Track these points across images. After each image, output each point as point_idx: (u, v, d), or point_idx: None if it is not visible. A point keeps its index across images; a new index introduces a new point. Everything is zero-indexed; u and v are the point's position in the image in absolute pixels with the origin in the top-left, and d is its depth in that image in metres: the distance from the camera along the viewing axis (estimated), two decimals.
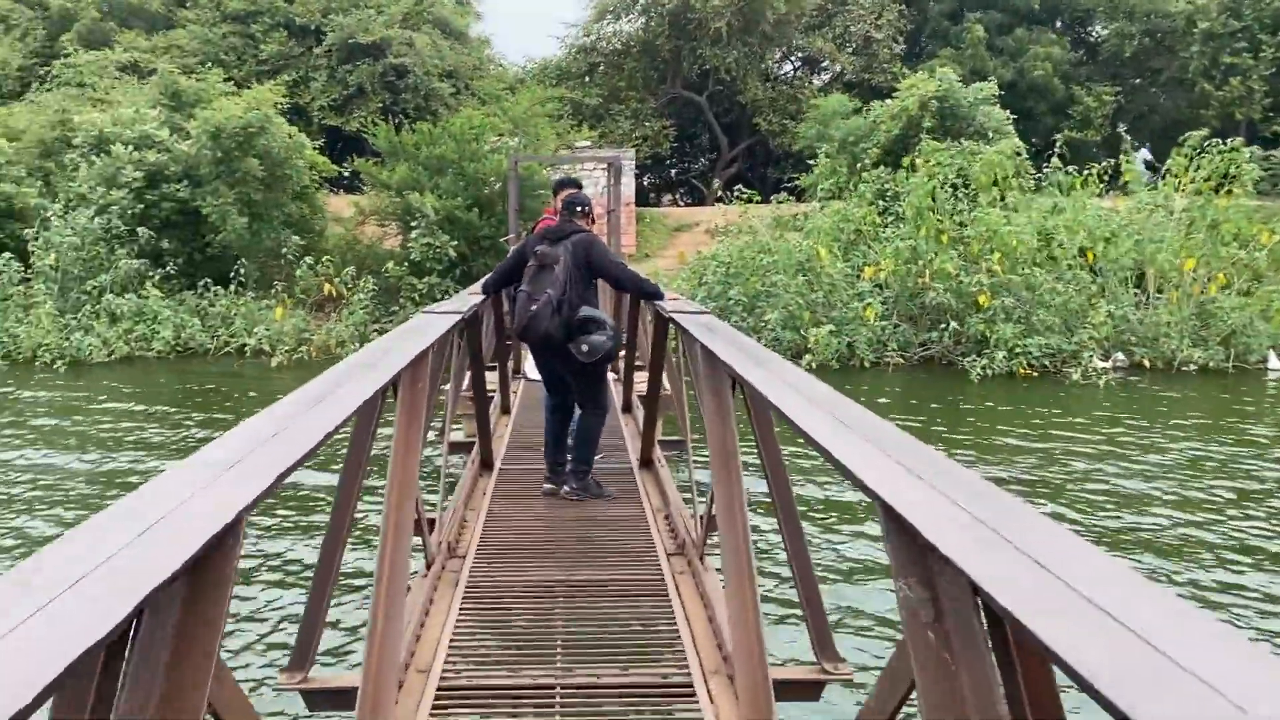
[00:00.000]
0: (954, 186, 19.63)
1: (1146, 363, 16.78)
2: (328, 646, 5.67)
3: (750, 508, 3.55)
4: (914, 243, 18.08)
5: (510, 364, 10.72)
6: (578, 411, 6.29)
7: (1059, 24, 37.56)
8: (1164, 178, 20.52)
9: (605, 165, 17.70)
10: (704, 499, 5.03)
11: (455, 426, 8.34)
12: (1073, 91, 33.81)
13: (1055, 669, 1.10)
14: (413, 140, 21.77)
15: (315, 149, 24.19)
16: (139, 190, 20.07)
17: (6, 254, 19.51)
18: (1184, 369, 16.58)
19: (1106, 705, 0.91)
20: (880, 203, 21.07)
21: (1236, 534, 8.30)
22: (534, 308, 5.58)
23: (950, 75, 24.32)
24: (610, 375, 6.76)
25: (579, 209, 6.09)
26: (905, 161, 21.20)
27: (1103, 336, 16.87)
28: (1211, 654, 0.97)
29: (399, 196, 21.06)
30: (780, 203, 22.36)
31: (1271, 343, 17.12)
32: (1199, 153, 19.93)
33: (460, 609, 4.21)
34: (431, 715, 3.33)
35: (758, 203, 22.18)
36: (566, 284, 5.64)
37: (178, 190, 20.32)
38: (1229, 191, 19.21)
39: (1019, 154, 21.24)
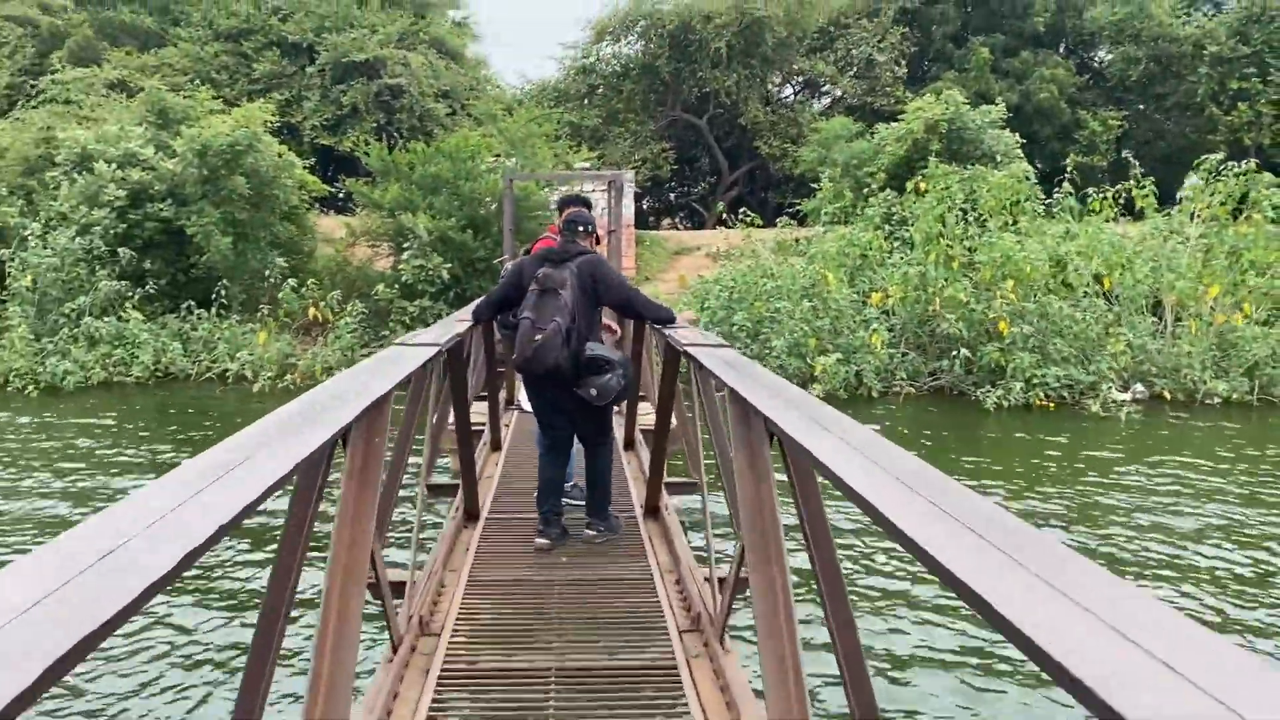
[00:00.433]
0: (963, 211, 19.03)
1: (1167, 394, 16.10)
2: None
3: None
4: (923, 268, 17.43)
5: (502, 394, 10.04)
6: (576, 446, 5.76)
7: (1063, 48, 37.20)
8: (1179, 203, 19.93)
9: (605, 185, 17.04)
10: (722, 561, 4.33)
11: (440, 464, 7.64)
12: (1078, 115, 33.35)
13: None
14: (406, 159, 21.16)
15: (306, 168, 23.57)
16: (122, 209, 19.40)
17: None
18: (1206, 401, 15.91)
19: None
20: (886, 227, 20.48)
21: None
22: (539, 337, 5.00)
23: (957, 97, 23.80)
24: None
25: (581, 228, 5.49)
26: (911, 185, 20.60)
27: (1121, 367, 16.21)
28: None
29: (391, 217, 20.42)
30: (784, 226, 21.68)
31: None
32: (1214, 177, 19.36)
33: (433, 702, 3.48)
34: None
35: (760, 226, 21.54)
36: (575, 311, 5.09)
37: (162, 210, 19.64)
38: (1247, 217, 18.62)
39: (1028, 178, 20.67)
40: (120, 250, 18.95)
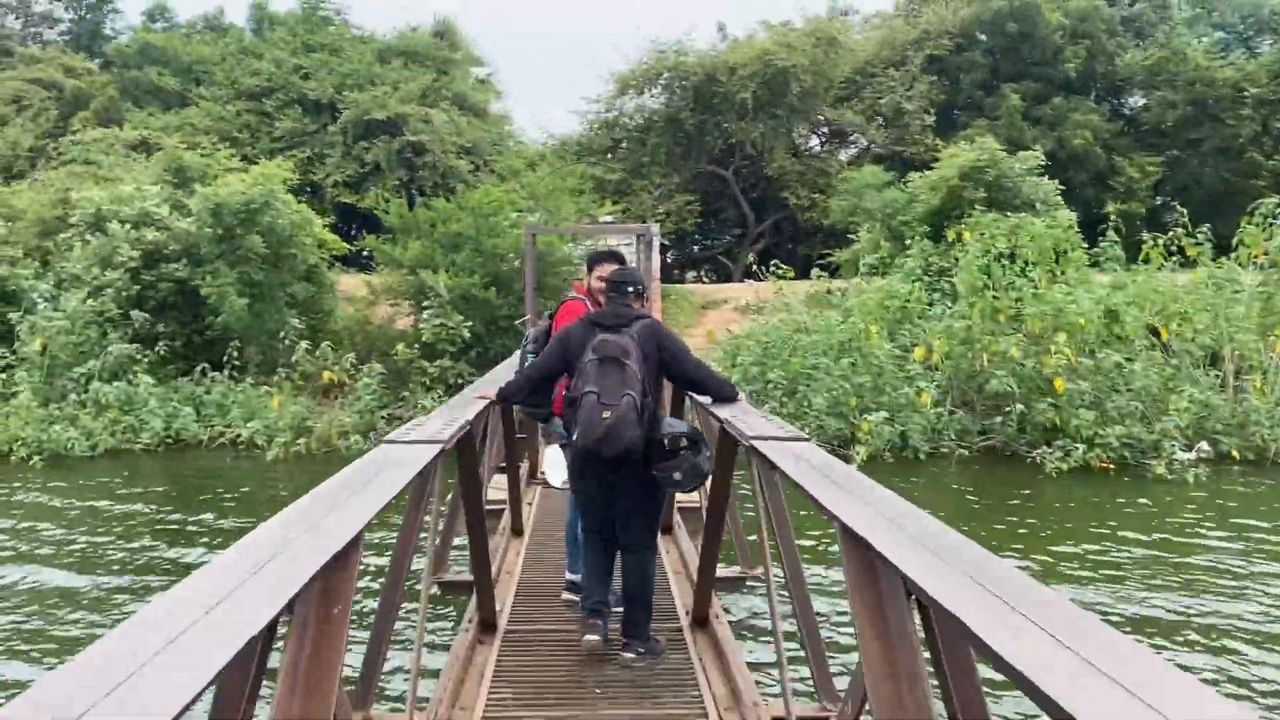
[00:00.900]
0: (1008, 260, 18.16)
1: (1235, 453, 15.02)
2: None
3: None
4: (969, 321, 16.54)
5: (524, 466, 9.21)
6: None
7: (1094, 94, 36.49)
8: (1235, 250, 18.96)
9: (633, 238, 16.32)
10: (800, 695, 3.46)
11: (458, 562, 6.76)
12: (1114, 162, 32.55)
13: None
14: (427, 216, 20.59)
15: (326, 226, 23.08)
16: (135, 270, 18.87)
17: None
18: (1278, 460, 14.84)
19: None
20: (925, 278, 19.63)
21: None
22: (608, 415, 4.33)
23: (992, 144, 23.07)
24: None
25: (631, 289, 4.75)
26: (953, 234, 19.76)
27: (1184, 425, 15.17)
28: None
29: (412, 274, 19.79)
30: (818, 279, 20.85)
31: None
32: (1269, 222, 18.44)
33: None
34: None
35: (792, 279, 20.72)
36: (644, 385, 4.46)
37: (176, 270, 19.09)
38: None
39: (1072, 227, 19.82)
40: (133, 312, 18.36)
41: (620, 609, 4.75)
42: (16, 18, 40.05)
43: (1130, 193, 31.74)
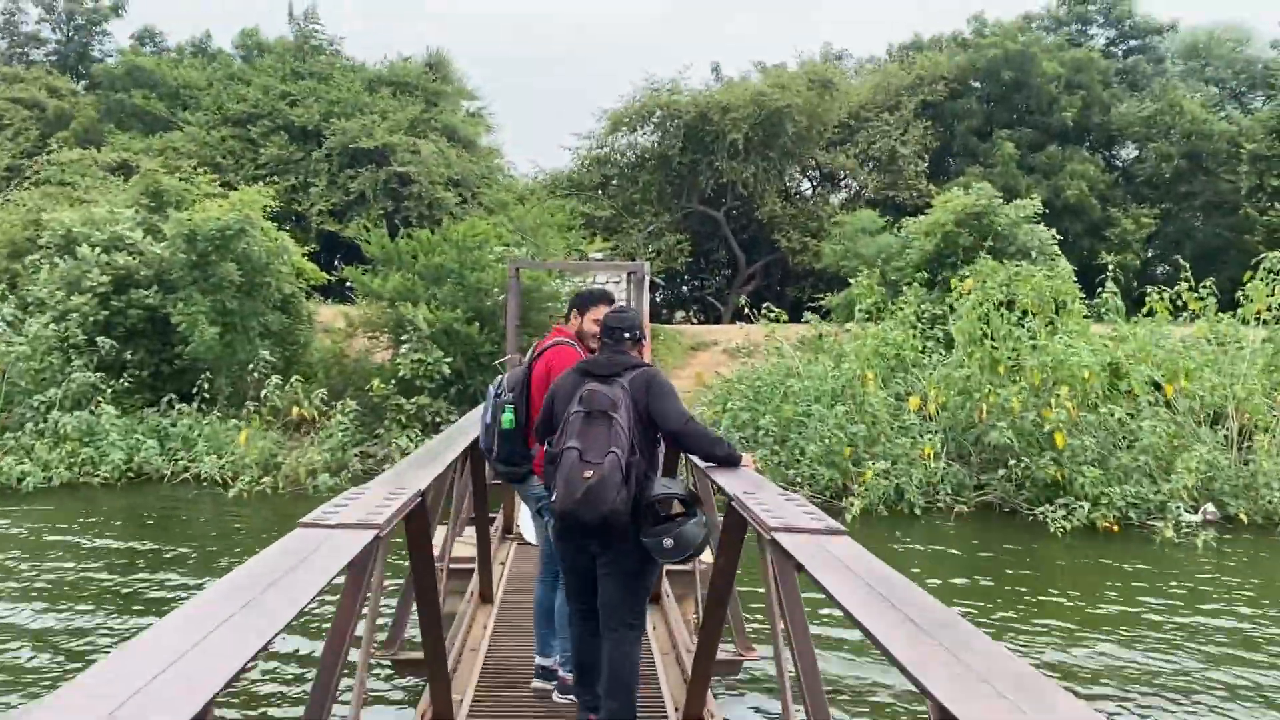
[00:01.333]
0: (1005, 309, 17.64)
1: (1243, 516, 14.42)
2: None
3: None
4: (967, 371, 15.97)
5: (497, 521, 8.50)
6: (560, 600, 4.69)
7: (1087, 144, 36.31)
8: (1236, 305, 18.49)
9: (623, 276, 15.70)
10: None
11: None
12: (1109, 213, 32.27)
13: None
14: (409, 247, 19.94)
15: (305, 254, 22.41)
16: (104, 296, 18.13)
17: None
18: None
19: None
20: (918, 325, 19.08)
21: None
22: (590, 474, 3.85)
23: (989, 189, 22.70)
24: None
25: (628, 334, 4.26)
26: (955, 281, 19.23)
27: (1190, 485, 14.57)
28: None
29: (391, 307, 19.11)
30: (816, 323, 20.25)
31: None
32: (1275, 278, 17.98)
33: None
34: None
35: (785, 322, 20.13)
36: (634, 441, 3.98)
37: (147, 296, 18.36)
38: None
39: (1071, 277, 19.37)
40: (99, 339, 17.59)
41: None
42: (2, 37, 39.48)
43: (1124, 244, 31.43)
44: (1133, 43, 40.05)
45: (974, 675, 1.54)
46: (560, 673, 4.78)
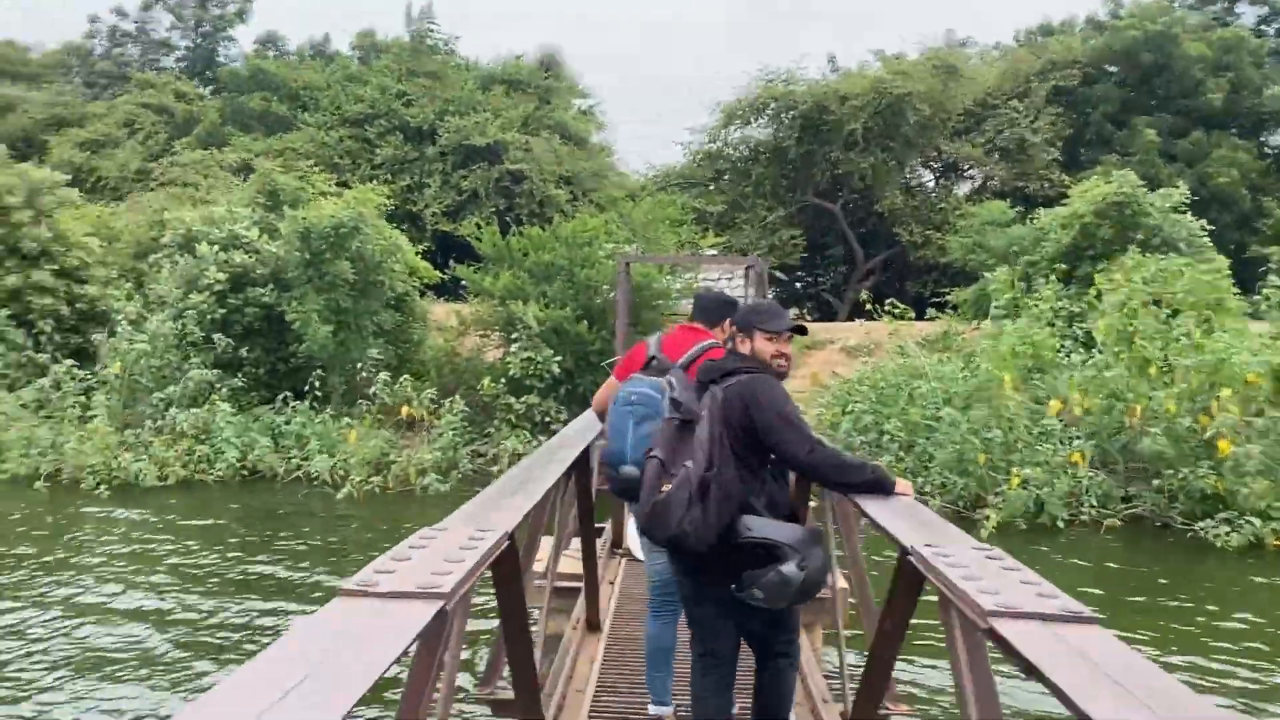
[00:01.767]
0: (1155, 305, 16.25)
1: None
2: None
3: None
4: (1117, 373, 14.70)
5: (604, 534, 7.89)
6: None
7: (1234, 130, 33.86)
8: None
9: (742, 270, 14.91)
10: None
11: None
12: (1261, 203, 29.96)
13: None
14: (520, 244, 19.59)
15: (419, 253, 22.34)
16: (221, 294, 18.27)
17: (69, 361, 17.79)
18: None
19: None
20: (1057, 323, 17.79)
21: None
22: (665, 488, 3.37)
23: (1131, 178, 21.11)
24: None
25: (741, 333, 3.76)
26: (1099, 277, 17.86)
27: None
28: None
29: (502, 305, 18.78)
30: (952, 319, 19.05)
31: None
32: None
33: None
34: None
35: (911, 319, 19.03)
36: (713, 458, 3.38)
37: (262, 295, 18.44)
38: None
39: (1225, 272, 17.80)
40: (216, 336, 17.72)
41: None
42: (135, 45, 40.98)
43: (1278, 236, 29.09)
44: None
45: None
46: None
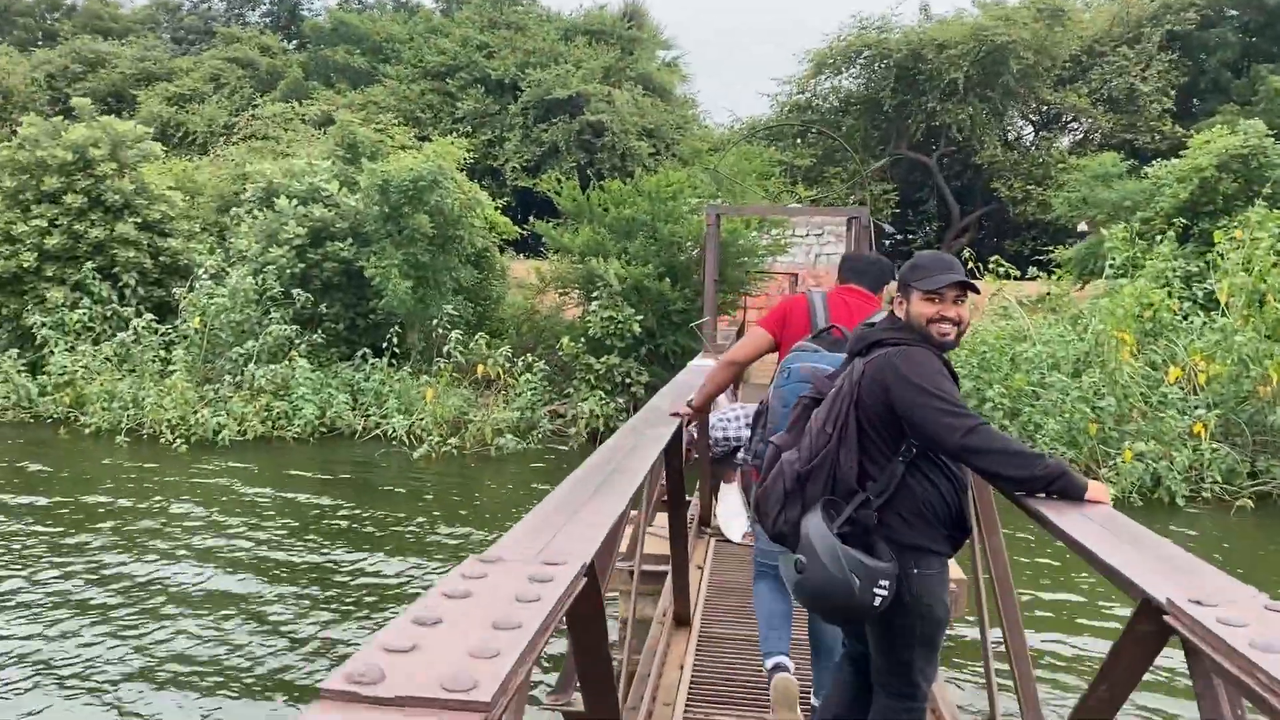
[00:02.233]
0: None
1: None
2: None
3: None
4: (1248, 338, 13.51)
5: (691, 510, 7.27)
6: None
7: None
8: None
9: (843, 223, 14.01)
10: None
11: None
12: None
13: None
14: (600, 199, 18.92)
15: (499, 208, 21.87)
16: (301, 248, 18.01)
17: (149, 315, 17.75)
18: None
19: None
20: (1176, 284, 16.54)
21: None
22: (769, 478, 2.97)
23: (1260, 127, 19.53)
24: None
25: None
26: (1216, 235, 16.56)
27: None
28: None
29: (581, 262, 18.18)
30: (1058, 279, 17.87)
31: None
32: None
33: None
34: None
35: (1016, 278, 17.92)
36: (822, 448, 2.84)
37: (341, 249, 18.14)
38: None
39: None
40: (294, 291, 17.49)
41: None
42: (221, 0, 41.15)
43: None
44: None
45: None
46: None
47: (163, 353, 17.19)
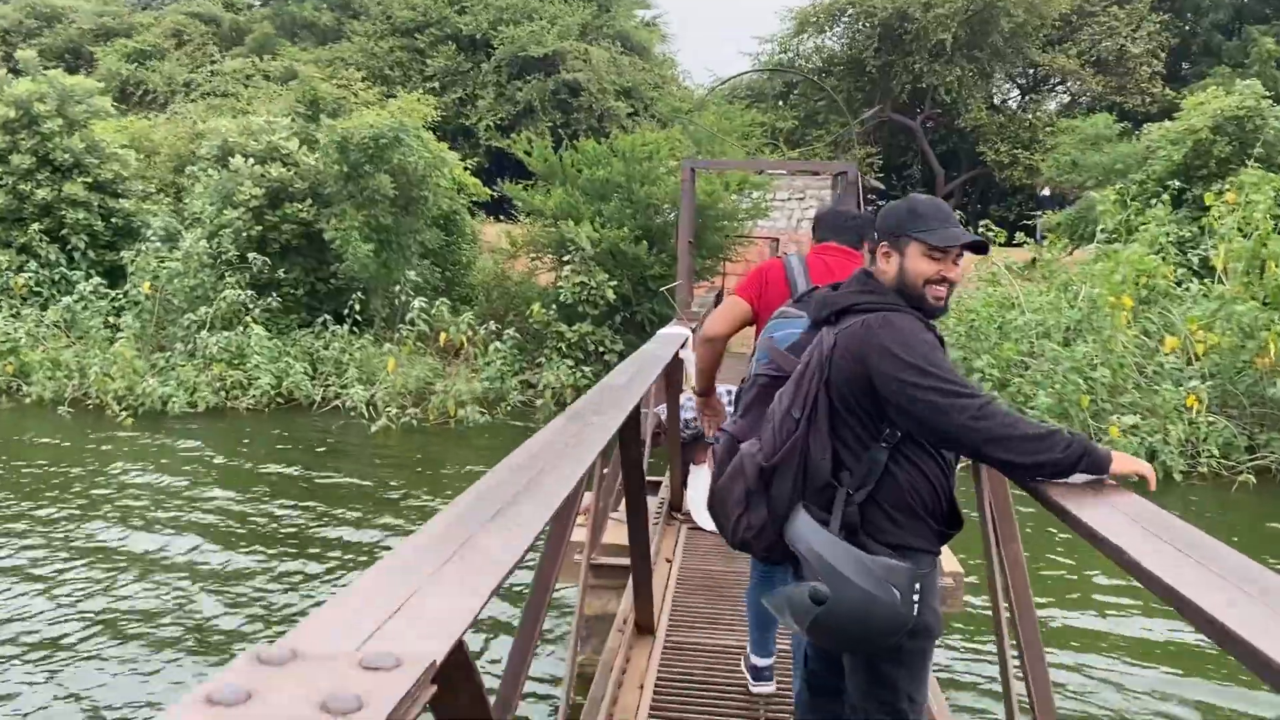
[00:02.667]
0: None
1: None
2: None
3: None
4: (1249, 307, 12.92)
5: (663, 496, 6.60)
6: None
7: None
8: None
9: (829, 180, 13.25)
10: None
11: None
12: None
13: None
14: (573, 160, 18.09)
15: (469, 169, 20.99)
16: (258, 210, 17.10)
17: (95, 279, 16.85)
18: None
19: None
20: (1171, 250, 15.94)
21: None
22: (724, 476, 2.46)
23: (1258, 88, 18.92)
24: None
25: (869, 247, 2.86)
26: (1209, 198, 15.96)
27: None
28: None
29: (553, 225, 17.38)
30: (1051, 245, 17.22)
31: None
32: None
33: None
34: None
35: (1006, 244, 17.29)
36: (787, 437, 2.36)
37: (300, 210, 17.25)
38: None
39: None
40: (250, 255, 16.61)
41: None
42: None
43: None
44: None
45: None
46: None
47: (112, 318, 16.31)
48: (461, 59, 29.89)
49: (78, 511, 9.40)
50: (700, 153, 19.88)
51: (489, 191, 20.65)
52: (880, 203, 35.04)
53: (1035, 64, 30.68)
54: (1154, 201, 17.03)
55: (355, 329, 16.64)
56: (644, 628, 4.32)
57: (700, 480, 6.15)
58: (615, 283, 16.16)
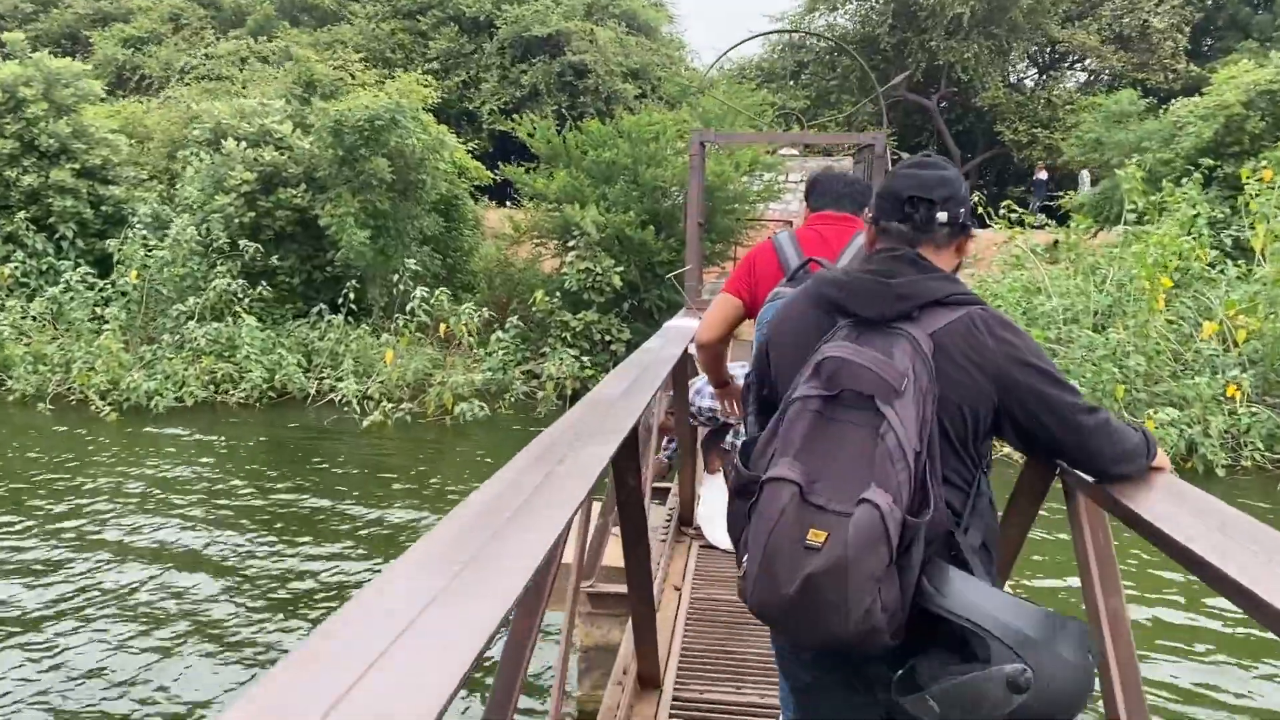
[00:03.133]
0: None
1: None
2: None
3: None
4: None
5: (671, 507, 5.93)
6: None
7: None
8: None
9: (856, 151, 12.52)
10: None
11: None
12: None
13: None
14: (578, 141, 17.37)
15: (472, 153, 20.28)
16: (251, 195, 16.46)
17: (83, 269, 16.22)
18: None
19: None
20: (1204, 232, 15.16)
21: None
22: (821, 543, 1.55)
23: None
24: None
25: (946, 223, 1.85)
26: (1244, 175, 15.17)
27: None
28: None
29: (557, 210, 16.70)
30: (1075, 226, 16.45)
31: None
32: None
33: None
34: None
35: (1031, 226, 16.52)
36: (924, 470, 1.60)
37: (294, 196, 16.60)
38: None
39: None
40: (242, 242, 15.96)
41: None
42: None
43: None
44: None
45: None
46: None
47: (100, 309, 15.69)
48: (464, 40, 29.13)
49: (46, 520, 8.79)
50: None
51: (490, 175, 19.94)
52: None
53: (1054, 40, 29.73)
54: (1183, 180, 16.24)
55: (351, 319, 16.01)
56: (647, 680, 3.65)
57: (715, 492, 5.46)
58: (622, 269, 15.48)
